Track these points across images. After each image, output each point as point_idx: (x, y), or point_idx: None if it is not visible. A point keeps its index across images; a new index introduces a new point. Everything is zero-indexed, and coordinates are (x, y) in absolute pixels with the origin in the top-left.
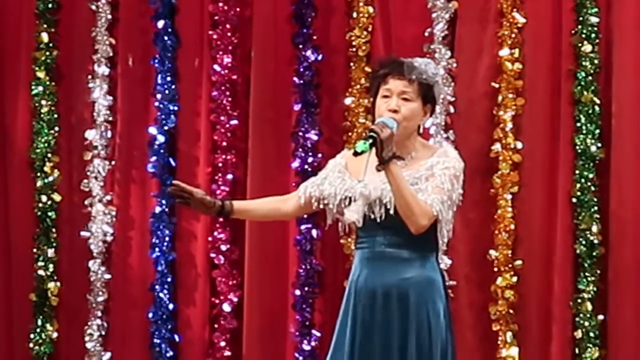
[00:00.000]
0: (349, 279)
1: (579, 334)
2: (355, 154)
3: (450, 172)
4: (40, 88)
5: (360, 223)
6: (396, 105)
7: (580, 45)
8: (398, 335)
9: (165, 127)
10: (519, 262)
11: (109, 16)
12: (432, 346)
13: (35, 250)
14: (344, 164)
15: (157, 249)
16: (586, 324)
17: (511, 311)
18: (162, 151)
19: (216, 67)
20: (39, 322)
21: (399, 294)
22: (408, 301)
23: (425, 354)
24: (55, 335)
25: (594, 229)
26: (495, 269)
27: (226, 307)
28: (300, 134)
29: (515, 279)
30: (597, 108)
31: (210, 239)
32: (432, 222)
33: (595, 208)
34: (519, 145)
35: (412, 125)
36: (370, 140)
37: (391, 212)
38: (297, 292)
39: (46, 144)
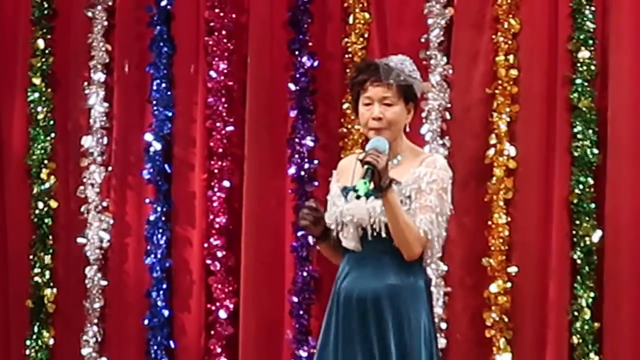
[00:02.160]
0: (335, 279)
1: (575, 340)
2: (359, 197)
3: (438, 186)
4: (36, 95)
5: (359, 249)
6: (380, 113)
7: (577, 51)
8: (377, 340)
9: (161, 134)
10: (513, 268)
11: (105, 23)
12: (415, 352)
13: (31, 256)
14: (337, 188)
15: (152, 256)
16: (583, 330)
17: (505, 317)
18: (157, 157)
19: (212, 73)
20: (35, 329)
21: (381, 299)
22: (391, 306)
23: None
24: (51, 341)
25: (595, 236)
26: (490, 275)
27: (222, 314)
28: (296, 140)
29: (509, 285)
30: (593, 114)
31: (206, 245)
32: None
33: (594, 215)
34: (514, 151)
35: (399, 128)
36: (370, 177)
37: (383, 235)
38: (294, 299)
39: (42, 151)
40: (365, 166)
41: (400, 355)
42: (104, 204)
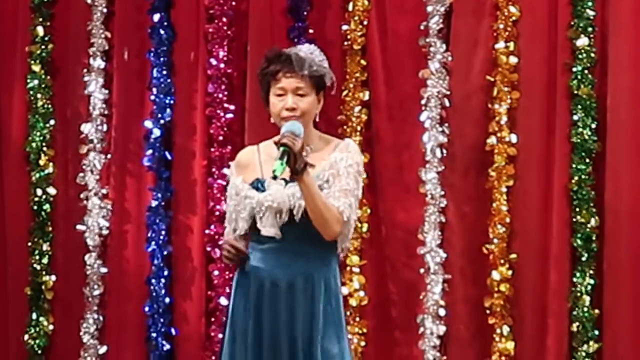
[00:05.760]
0: (242, 270)
1: (575, 327)
2: (275, 177)
3: (354, 170)
4: (36, 82)
5: (279, 235)
6: (293, 103)
7: (576, 38)
8: (303, 326)
9: (161, 121)
10: (514, 255)
11: (105, 9)
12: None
13: (30, 244)
14: (240, 180)
15: (153, 243)
16: (583, 317)
17: (507, 305)
18: (158, 145)
19: (212, 60)
20: (34, 316)
21: (306, 284)
22: (313, 292)
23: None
24: (50, 328)
25: (592, 222)
26: (491, 263)
27: (223, 301)
28: None
29: (510, 272)
30: (593, 101)
31: (206, 232)
32: None
33: (593, 202)
34: (514, 138)
35: (311, 118)
36: (286, 158)
37: (297, 217)
38: None
39: (41, 138)
40: (282, 148)
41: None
42: (104, 191)
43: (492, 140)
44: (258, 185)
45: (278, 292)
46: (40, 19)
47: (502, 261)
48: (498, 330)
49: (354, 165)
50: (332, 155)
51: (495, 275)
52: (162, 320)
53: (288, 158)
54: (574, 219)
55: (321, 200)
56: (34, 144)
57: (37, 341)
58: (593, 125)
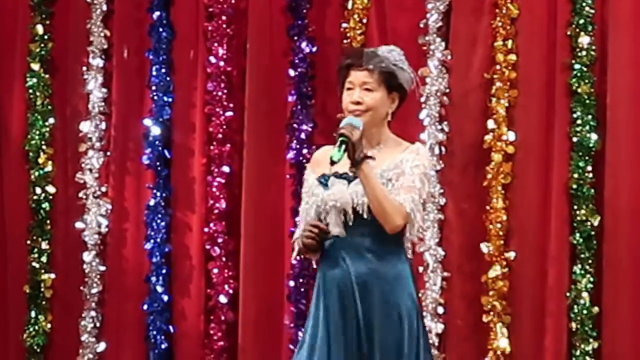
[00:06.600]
0: (322, 271)
1: (574, 325)
2: (332, 163)
3: (420, 170)
4: (35, 80)
5: (344, 234)
6: (359, 97)
7: (576, 36)
8: (362, 325)
9: (160, 119)
10: (511, 253)
11: (104, 8)
12: (402, 339)
13: (29, 242)
14: (313, 178)
15: (152, 241)
16: (582, 315)
17: (503, 302)
18: (157, 143)
19: (211, 58)
20: (33, 314)
21: (367, 284)
22: (375, 291)
23: (391, 346)
24: (49, 327)
25: (595, 221)
26: (488, 260)
27: (222, 299)
28: (295, 125)
29: (507, 270)
30: (593, 99)
31: (205, 230)
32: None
33: (593, 200)
34: (512, 136)
35: (379, 115)
36: (344, 146)
37: (365, 216)
38: (292, 284)
39: (41, 136)
40: (340, 138)
41: (382, 343)
42: (103, 189)
43: (490, 137)
44: (322, 180)
45: (346, 290)
46: (40, 18)
47: (498, 259)
48: (494, 328)
49: (420, 166)
50: (400, 156)
51: (492, 272)
52: (160, 318)
53: (346, 147)
54: (574, 217)
55: (381, 191)
56: (33, 142)
57: (36, 339)
58: (593, 123)
